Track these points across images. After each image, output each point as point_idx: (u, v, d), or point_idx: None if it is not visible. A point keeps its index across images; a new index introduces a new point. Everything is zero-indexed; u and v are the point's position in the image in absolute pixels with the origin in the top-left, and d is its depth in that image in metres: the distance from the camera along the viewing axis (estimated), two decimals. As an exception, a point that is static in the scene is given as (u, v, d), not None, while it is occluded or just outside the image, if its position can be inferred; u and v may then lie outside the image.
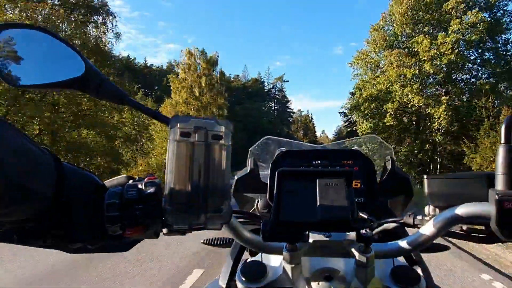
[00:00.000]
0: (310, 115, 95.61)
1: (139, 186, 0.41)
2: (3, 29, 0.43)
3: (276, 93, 72.25)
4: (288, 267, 0.54)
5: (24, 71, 0.44)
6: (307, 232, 0.48)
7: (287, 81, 75.93)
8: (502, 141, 0.42)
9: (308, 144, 1.16)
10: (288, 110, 76.50)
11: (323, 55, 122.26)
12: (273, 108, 71.55)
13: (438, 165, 17.87)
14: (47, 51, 0.44)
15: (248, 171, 0.87)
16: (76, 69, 0.43)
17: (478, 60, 18.04)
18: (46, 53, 0.45)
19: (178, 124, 0.39)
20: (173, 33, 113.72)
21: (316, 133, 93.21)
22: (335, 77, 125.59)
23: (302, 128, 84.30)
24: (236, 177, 0.86)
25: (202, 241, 0.84)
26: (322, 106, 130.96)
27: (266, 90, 71.02)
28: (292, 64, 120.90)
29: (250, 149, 1.00)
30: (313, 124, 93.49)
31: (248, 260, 0.65)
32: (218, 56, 27.61)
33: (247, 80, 67.91)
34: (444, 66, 16.21)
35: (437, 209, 0.52)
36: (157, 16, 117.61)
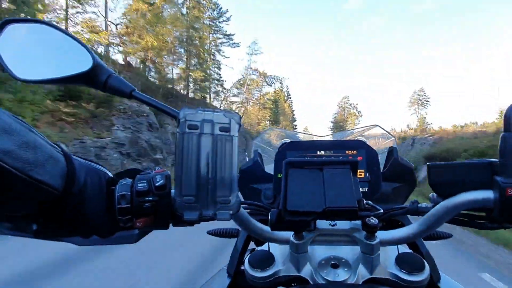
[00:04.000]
0: (286, 89, 60.01)
1: (149, 178, 0.42)
2: (11, 23, 0.43)
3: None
4: (295, 256, 0.55)
5: (31, 65, 0.44)
6: (313, 221, 0.49)
7: None
8: (505, 129, 0.42)
9: (312, 134, 1.17)
10: (224, 42, 35.21)
11: (304, 62, 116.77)
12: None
13: None
14: (54, 45, 0.44)
15: (252, 162, 0.88)
16: (83, 64, 0.44)
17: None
18: (53, 48, 0.45)
19: (186, 117, 0.40)
20: None
21: (295, 124, 63.29)
22: (316, 84, 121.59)
23: (269, 108, 49.74)
24: (240, 168, 0.87)
25: (208, 232, 0.86)
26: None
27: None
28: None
29: (254, 141, 1.01)
30: (291, 108, 61.91)
31: (256, 249, 0.66)
32: None
33: None
34: None
35: (440, 197, 0.53)
36: None
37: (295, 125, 64.80)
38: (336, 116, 68.42)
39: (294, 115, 65.29)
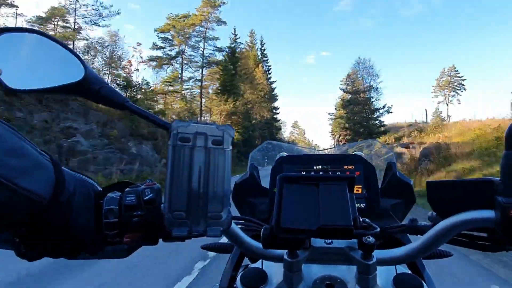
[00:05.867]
0: (260, 46, 39.93)
1: (138, 192, 0.41)
2: (4, 32, 0.42)
3: None
4: (288, 275, 0.53)
5: (22, 75, 0.44)
6: (308, 239, 0.48)
7: None
8: (506, 148, 0.41)
9: (311, 149, 1.17)
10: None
11: (295, 63, 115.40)
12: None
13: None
14: (47, 55, 0.44)
15: (247, 175, 0.87)
16: (75, 74, 0.43)
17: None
18: (46, 57, 0.44)
19: (178, 129, 0.38)
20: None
21: (276, 107, 42.01)
22: (306, 86, 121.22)
23: (216, 63, 31.26)
24: (235, 182, 0.86)
25: (202, 247, 0.84)
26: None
27: None
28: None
29: (250, 154, 1.00)
30: (266, 76, 40.11)
31: (248, 267, 0.64)
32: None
33: None
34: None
35: (439, 216, 0.52)
36: None
37: (276, 108, 42.28)
38: (353, 81, 36.67)
39: (273, 90, 40.99)
